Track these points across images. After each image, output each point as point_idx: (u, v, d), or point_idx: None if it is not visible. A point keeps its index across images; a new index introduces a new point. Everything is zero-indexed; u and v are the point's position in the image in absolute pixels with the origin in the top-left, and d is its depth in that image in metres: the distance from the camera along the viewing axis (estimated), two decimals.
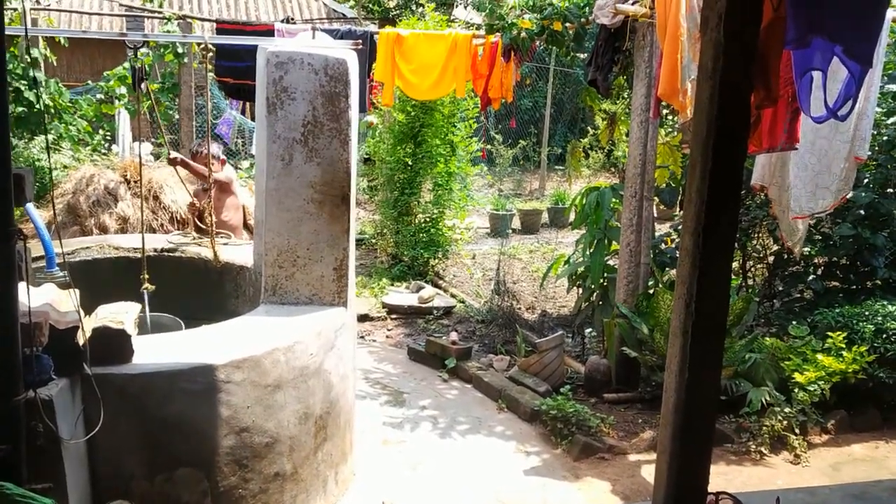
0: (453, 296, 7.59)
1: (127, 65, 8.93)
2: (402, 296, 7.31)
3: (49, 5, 11.98)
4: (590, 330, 6.39)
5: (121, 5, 8.50)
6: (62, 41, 9.44)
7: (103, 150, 11.07)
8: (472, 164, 9.01)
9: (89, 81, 9.90)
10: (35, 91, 7.89)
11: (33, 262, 4.11)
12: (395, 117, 8.54)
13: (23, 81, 7.86)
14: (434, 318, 6.89)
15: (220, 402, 3.17)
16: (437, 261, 8.52)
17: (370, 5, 19.25)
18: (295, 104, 3.65)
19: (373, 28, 8.17)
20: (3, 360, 2.45)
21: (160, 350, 3.25)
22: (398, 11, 17.90)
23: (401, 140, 8.54)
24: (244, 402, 3.24)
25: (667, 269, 6.03)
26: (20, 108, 7.90)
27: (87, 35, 4.63)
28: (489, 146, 11.82)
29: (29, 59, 8.05)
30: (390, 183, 8.74)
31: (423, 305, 6.99)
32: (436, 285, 7.94)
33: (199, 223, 5.19)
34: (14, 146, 7.94)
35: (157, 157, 16.76)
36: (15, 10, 7.99)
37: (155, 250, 4.66)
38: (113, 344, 3.02)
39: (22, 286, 2.56)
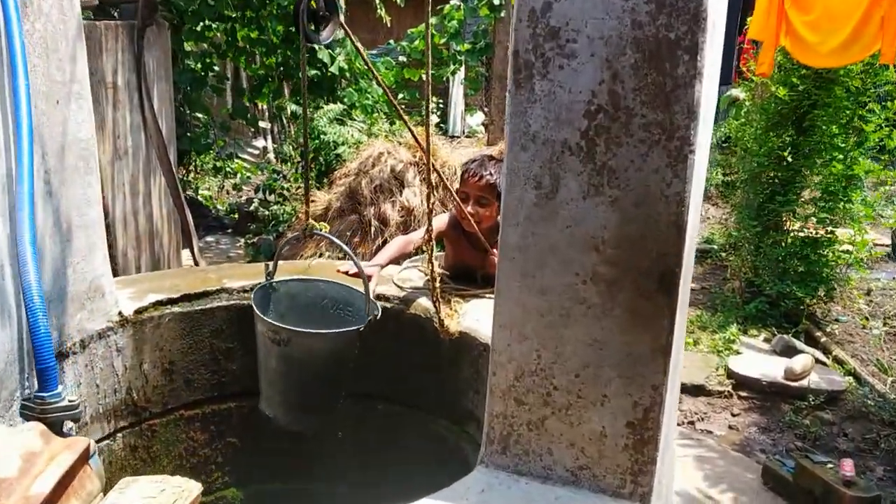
0: (840, 363, 5.01)
1: (434, 20, 7.56)
2: (760, 359, 4.93)
3: None
4: None
5: None
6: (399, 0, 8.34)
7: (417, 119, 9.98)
8: (892, 167, 6.16)
9: (391, 41, 8.70)
10: (329, 52, 6.76)
11: None
12: (771, 92, 6.01)
13: None
14: (809, 408, 4.45)
15: None
16: (815, 301, 5.93)
17: None
18: (572, 66, 1.65)
19: None
20: None
21: None
22: None
23: (777, 125, 6.01)
24: None
25: None
26: (313, 72, 6.84)
27: None
28: None
29: None
30: (754, 182, 6.27)
31: (792, 383, 4.58)
32: (811, 340, 5.40)
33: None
34: (298, 116, 6.94)
35: (487, 127, 15.73)
36: None
37: (382, 296, 2.99)
38: None
39: None
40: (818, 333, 5.56)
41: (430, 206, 2.41)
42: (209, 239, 7.13)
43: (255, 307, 2.56)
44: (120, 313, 2.72)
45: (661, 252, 1.68)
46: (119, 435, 2.80)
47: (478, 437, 2.81)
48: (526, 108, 1.69)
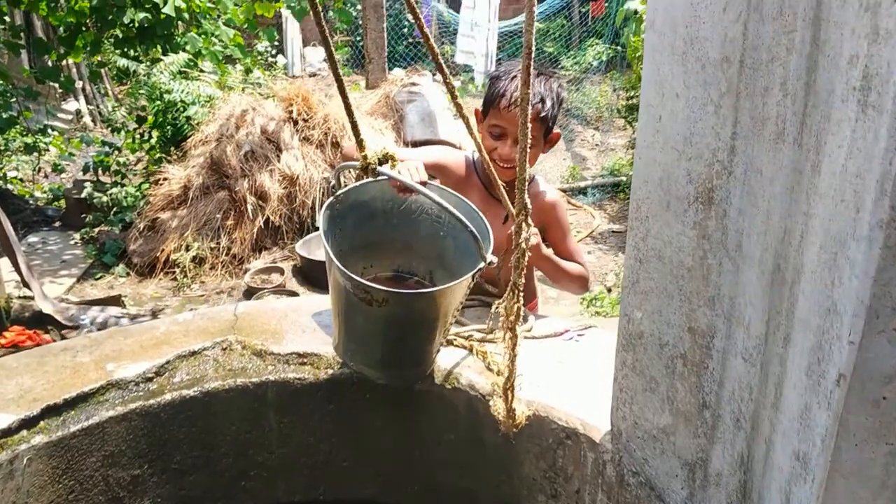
0: None
1: None
2: None
3: None
4: None
5: None
6: None
7: (264, 64, 8.62)
8: None
9: None
10: None
11: None
12: None
13: None
14: None
15: None
16: None
17: None
18: None
19: None
20: None
21: None
22: None
23: None
24: None
25: None
26: (142, 15, 5.37)
27: None
28: None
29: None
30: None
31: None
32: None
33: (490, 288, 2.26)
34: (133, 71, 5.47)
35: (365, 66, 14.26)
36: None
37: None
38: None
39: None
40: None
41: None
42: (33, 240, 5.59)
43: (331, 256, 1.64)
44: None
45: None
46: None
47: None
48: None
